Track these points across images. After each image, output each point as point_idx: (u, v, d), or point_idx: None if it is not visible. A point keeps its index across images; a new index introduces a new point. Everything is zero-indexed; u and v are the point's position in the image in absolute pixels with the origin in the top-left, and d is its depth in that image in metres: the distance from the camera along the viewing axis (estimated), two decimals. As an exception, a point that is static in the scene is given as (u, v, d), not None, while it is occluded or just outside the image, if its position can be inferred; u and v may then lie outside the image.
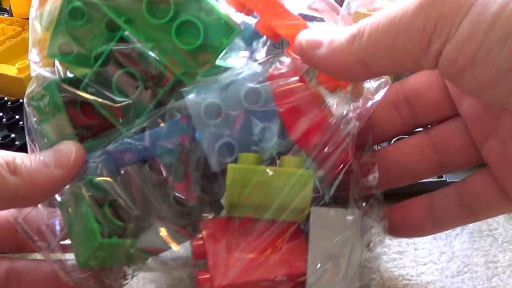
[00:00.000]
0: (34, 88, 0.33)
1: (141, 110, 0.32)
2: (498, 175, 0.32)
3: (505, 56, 0.24)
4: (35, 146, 0.33)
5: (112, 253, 0.30)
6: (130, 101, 0.32)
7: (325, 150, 0.30)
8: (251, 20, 0.34)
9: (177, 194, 0.29)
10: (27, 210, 0.33)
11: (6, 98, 0.58)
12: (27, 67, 0.57)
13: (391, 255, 0.42)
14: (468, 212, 0.34)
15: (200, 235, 0.30)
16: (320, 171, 0.30)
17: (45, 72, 0.33)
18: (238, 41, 0.35)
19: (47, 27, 0.33)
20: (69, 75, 0.34)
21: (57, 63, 0.34)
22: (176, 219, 0.30)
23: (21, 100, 0.56)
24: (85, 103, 0.33)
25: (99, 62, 0.32)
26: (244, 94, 0.30)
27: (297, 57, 0.31)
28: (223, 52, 0.32)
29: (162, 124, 0.30)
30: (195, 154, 0.30)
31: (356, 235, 0.30)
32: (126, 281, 0.32)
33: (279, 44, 0.38)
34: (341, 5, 0.33)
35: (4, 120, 0.54)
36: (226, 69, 0.33)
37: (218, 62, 0.33)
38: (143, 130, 0.31)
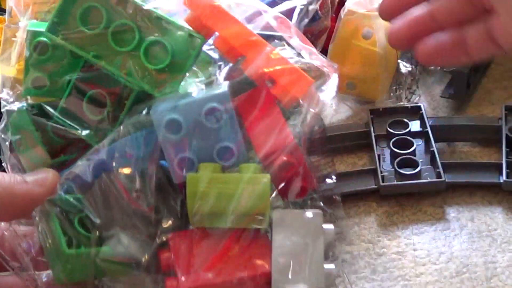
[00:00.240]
0: (5, 122, 0.35)
1: (104, 135, 0.33)
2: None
3: None
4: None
5: (82, 266, 0.31)
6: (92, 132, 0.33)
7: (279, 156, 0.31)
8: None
9: (133, 205, 0.30)
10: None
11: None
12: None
13: (390, 256, 0.41)
14: None
15: (167, 248, 0.31)
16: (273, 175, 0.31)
17: (15, 107, 0.35)
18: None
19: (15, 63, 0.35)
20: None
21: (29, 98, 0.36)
22: (138, 229, 0.30)
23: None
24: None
25: (66, 93, 0.34)
26: (205, 113, 0.31)
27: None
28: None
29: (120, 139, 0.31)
30: (152, 167, 0.31)
31: (317, 232, 0.31)
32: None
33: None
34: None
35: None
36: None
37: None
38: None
